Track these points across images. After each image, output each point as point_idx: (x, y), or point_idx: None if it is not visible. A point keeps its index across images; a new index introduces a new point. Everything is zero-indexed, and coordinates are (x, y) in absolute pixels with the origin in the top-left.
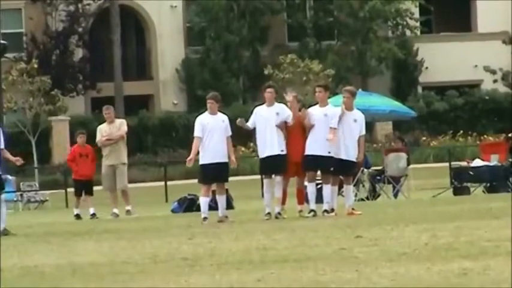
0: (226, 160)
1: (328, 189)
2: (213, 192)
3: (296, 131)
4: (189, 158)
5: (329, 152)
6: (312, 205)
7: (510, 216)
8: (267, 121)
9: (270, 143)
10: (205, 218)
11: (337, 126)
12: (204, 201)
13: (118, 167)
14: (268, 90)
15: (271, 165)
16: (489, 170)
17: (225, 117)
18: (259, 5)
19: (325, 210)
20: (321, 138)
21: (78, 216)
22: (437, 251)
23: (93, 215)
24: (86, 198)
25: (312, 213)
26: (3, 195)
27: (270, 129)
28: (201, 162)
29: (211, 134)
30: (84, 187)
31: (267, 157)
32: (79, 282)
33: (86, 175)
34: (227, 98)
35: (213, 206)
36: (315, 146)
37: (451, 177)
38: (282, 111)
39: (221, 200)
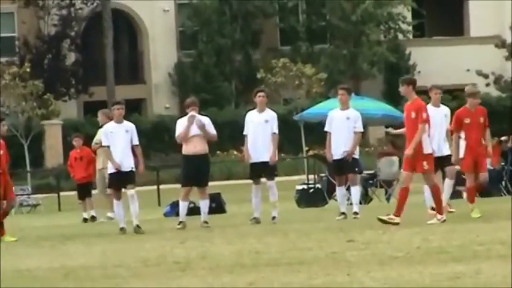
0: (206, 164)
1: (357, 191)
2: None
3: (474, 126)
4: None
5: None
6: (343, 208)
7: (503, 220)
8: (257, 127)
9: (260, 149)
10: (181, 223)
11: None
12: (183, 206)
13: (106, 171)
14: (259, 94)
15: (261, 171)
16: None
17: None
18: (252, 8)
19: (356, 212)
20: (343, 141)
21: (85, 220)
22: (430, 254)
23: (93, 217)
24: (85, 200)
25: (343, 216)
26: None
27: (261, 136)
28: (183, 165)
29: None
30: (81, 190)
31: (257, 163)
32: (71, 285)
33: (81, 178)
34: (219, 101)
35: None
36: (338, 150)
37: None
38: (271, 120)
39: (203, 204)
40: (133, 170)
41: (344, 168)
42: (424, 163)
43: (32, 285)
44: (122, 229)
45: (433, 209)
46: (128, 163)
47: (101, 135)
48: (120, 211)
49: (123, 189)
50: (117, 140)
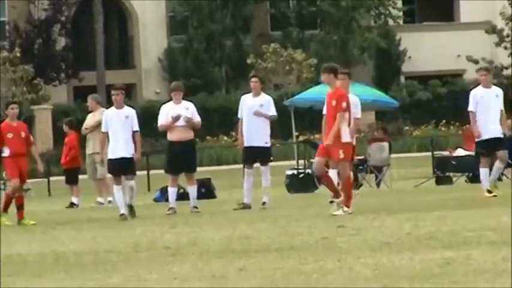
0: (192, 150)
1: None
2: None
3: None
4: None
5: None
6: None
7: (493, 206)
8: (250, 111)
9: (254, 133)
10: (171, 209)
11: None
12: (171, 192)
13: (95, 157)
14: (253, 80)
15: (255, 156)
16: (472, 159)
17: (190, 105)
18: None
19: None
20: None
21: (71, 205)
22: (420, 240)
23: (72, 204)
24: (71, 185)
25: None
26: None
27: (254, 120)
28: (167, 152)
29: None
30: (66, 175)
31: (251, 147)
32: (62, 270)
33: (63, 163)
34: (210, 87)
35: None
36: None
37: (433, 166)
38: (266, 104)
39: (191, 190)
40: (134, 157)
41: None
42: (341, 151)
43: (22, 271)
44: (122, 215)
45: (489, 191)
46: (128, 150)
47: (102, 121)
48: (120, 196)
49: (123, 177)
50: (117, 126)
